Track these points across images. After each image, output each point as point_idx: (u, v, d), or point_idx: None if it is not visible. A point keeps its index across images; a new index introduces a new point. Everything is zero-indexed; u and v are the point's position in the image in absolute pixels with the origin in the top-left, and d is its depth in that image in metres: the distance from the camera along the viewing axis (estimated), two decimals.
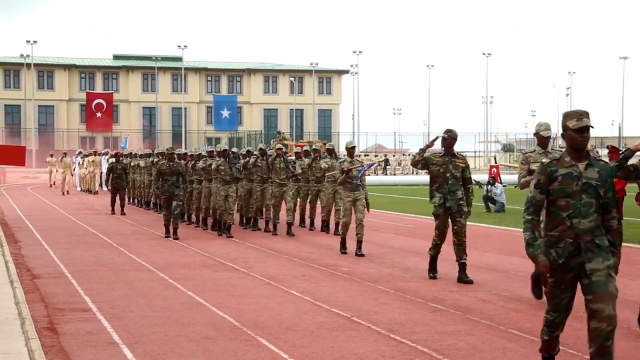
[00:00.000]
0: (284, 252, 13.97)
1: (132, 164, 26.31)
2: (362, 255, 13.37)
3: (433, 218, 11.06)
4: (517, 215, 20.70)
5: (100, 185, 36.04)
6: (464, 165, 10.87)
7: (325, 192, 17.38)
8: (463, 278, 10.72)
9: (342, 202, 13.73)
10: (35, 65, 73.64)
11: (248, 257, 13.49)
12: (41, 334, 7.71)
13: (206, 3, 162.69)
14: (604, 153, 52.92)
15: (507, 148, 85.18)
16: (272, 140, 56.01)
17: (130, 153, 29.54)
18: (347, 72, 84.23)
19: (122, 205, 23.25)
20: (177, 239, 15.98)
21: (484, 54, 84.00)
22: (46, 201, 29.27)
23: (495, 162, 50.09)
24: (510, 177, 42.62)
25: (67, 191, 33.69)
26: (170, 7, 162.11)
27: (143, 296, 9.81)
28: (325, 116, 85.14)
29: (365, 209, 13.61)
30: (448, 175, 10.77)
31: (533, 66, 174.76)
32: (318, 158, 17.85)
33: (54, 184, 39.17)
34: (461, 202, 10.80)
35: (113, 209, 23.07)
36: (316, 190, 17.81)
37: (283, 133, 60.20)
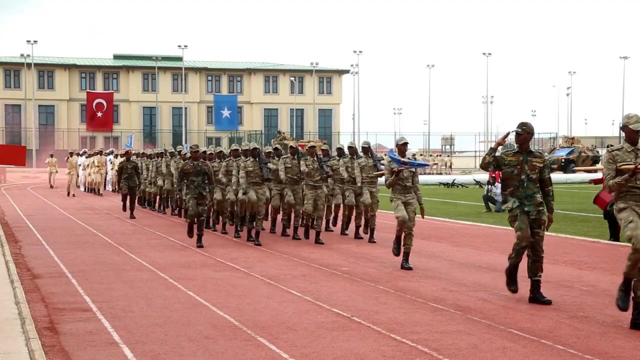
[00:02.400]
0: (284, 252, 13.97)
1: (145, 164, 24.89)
2: (410, 268, 11.88)
3: (509, 223, 9.43)
4: None
5: (105, 186, 35.34)
6: (541, 165, 9.37)
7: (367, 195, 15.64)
8: (539, 298, 9.30)
9: (393, 204, 12.14)
10: (36, 65, 73.72)
11: (248, 256, 13.49)
12: (41, 333, 7.71)
13: (206, 3, 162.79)
14: (604, 153, 52.81)
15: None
16: (272, 140, 55.98)
17: (141, 152, 27.99)
18: (347, 72, 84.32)
19: (132, 208, 21.83)
20: (201, 246, 14.65)
21: (484, 53, 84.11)
22: (46, 201, 29.26)
23: None
24: None
25: (73, 194, 32.17)
26: (171, 7, 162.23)
27: (143, 296, 9.81)
28: (325, 116, 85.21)
29: (420, 215, 12.22)
30: (523, 177, 9.27)
31: (533, 66, 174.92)
32: (354, 157, 16.16)
33: (54, 182, 38.61)
34: (541, 208, 9.29)
35: (132, 213, 21.62)
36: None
37: (283, 133, 60.18)
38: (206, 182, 15.02)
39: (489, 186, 24.66)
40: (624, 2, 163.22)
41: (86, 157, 36.11)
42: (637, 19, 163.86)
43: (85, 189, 35.42)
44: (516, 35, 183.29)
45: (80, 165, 36.20)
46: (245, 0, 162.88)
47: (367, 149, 15.89)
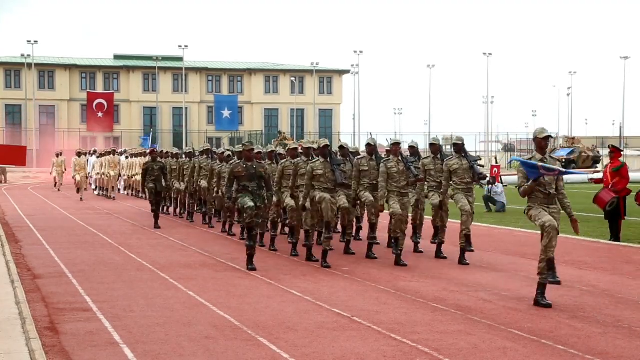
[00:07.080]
0: (284, 252, 13.95)
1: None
2: (558, 281, 9.28)
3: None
4: (517, 215, 20.68)
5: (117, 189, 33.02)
6: None
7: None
8: None
9: (537, 220, 9.24)
10: (36, 65, 73.72)
11: None
12: (42, 333, 7.72)
13: (207, 3, 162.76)
14: (605, 153, 52.97)
15: (508, 148, 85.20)
16: (272, 141, 56.00)
17: (162, 151, 25.41)
18: (347, 72, 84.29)
19: (158, 214, 19.24)
20: (254, 269, 11.90)
21: (484, 53, 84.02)
22: (47, 201, 29.25)
23: (497, 162, 50.15)
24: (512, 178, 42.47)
25: (81, 197, 30.39)
26: (171, 7, 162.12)
27: (144, 296, 9.82)
28: (326, 116, 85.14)
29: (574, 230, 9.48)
30: None
31: (533, 66, 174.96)
32: (438, 157, 13.66)
33: (56, 182, 37.55)
34: None
35: (157, 222, 18.89)
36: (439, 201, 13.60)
37: (284, 133, 60.22)
38: (263, 187, 12.21)
39: (490, 186, 24.69)
40: (624, 2, 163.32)
41: (97, 157, 33.85)
42: (637, 19, 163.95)
43: (98, 192, 33.00)
44: (516, 35, 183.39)
45: (90, 166, 33.62)
46: (246, 0, 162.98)
47: (461, 147, 12.79)
